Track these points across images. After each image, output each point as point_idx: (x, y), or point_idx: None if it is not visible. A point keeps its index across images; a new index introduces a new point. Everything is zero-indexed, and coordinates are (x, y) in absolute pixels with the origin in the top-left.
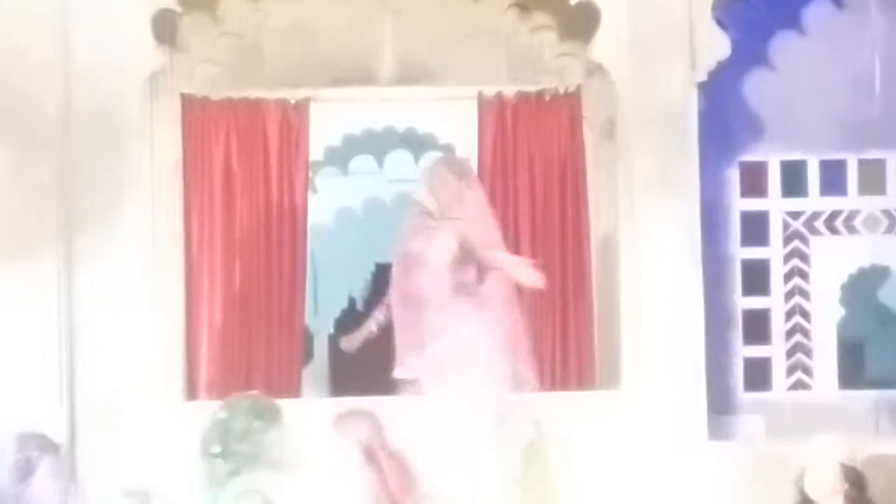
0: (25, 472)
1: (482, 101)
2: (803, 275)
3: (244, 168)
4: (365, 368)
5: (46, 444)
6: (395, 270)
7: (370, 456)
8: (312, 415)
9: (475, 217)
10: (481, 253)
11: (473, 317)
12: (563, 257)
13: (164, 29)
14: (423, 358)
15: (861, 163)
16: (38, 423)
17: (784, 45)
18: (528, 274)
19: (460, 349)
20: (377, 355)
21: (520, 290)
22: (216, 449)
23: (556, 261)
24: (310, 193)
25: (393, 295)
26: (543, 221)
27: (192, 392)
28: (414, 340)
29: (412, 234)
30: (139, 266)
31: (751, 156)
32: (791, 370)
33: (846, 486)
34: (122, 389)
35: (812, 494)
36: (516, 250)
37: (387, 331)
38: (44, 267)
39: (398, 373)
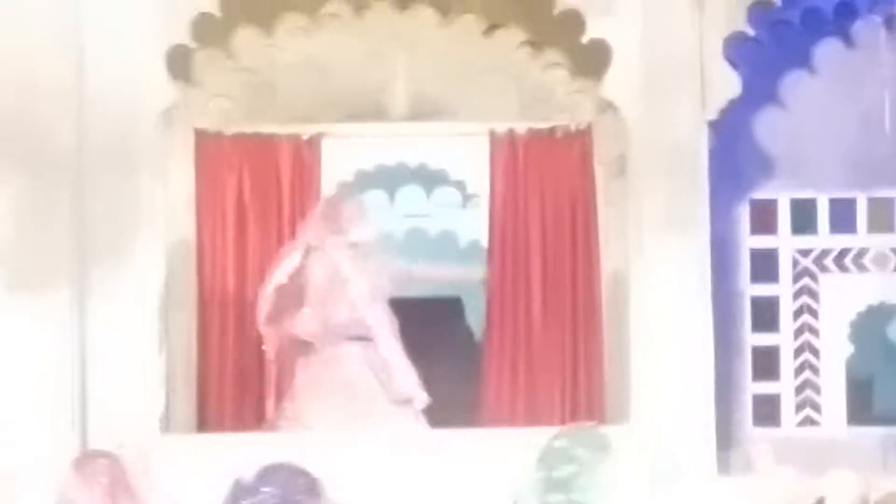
0: None
1: (494, 138)
2: (812, 312)
3: (256, 203)
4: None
5: (315, 487)
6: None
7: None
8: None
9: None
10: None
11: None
12: (574, 293)
13: (178, 64)
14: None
15: (870, 201)
16: (49, 451)
17: (794, 84)
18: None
19: (336, 387)
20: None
21: (530, 324)
22: (561, 474)
23: (566, 296)
24: None
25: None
26: (554, 257)
27: (203, 425)
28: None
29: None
30: (152, 299)
31: (761, 193)
32: (800, 407)
33: None
34: (134, 421)
35: None
36: (527, 286)
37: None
38: (57, 298)
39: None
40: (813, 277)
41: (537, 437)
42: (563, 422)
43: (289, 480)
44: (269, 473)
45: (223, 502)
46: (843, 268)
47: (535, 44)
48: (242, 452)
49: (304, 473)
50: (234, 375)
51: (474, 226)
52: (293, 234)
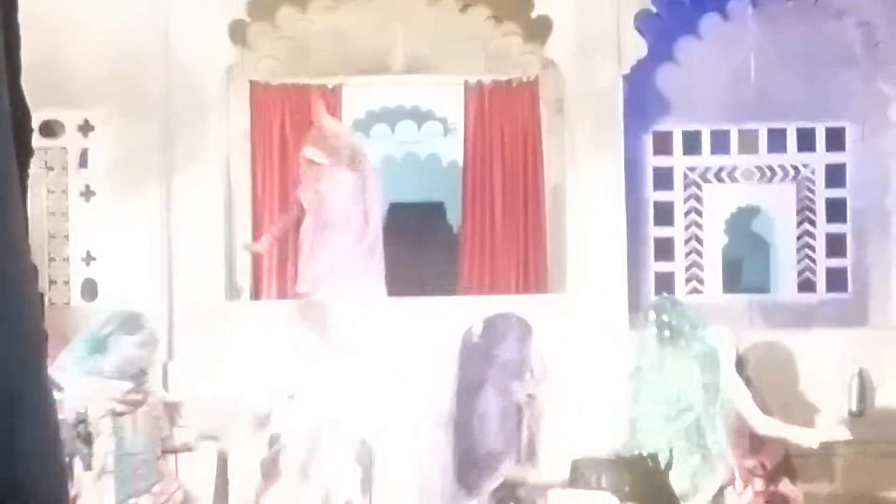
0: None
1: (467, 86)
2: (698, 212)
3: (295, 134)
4: None
5: (528, 328)
6: (308, 207)
7: None
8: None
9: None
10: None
11: (360, 242)
12: (525, 199)
13: (238, 33)
14: (321, 273)
15: (740, 132)
16: (145, 317)
17: (685, 47)
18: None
19: (346, 265)
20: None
21: (491, 222)
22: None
23: (519, 201)
24: None
25: (306, 226)
26: (511, 172)
27: (256, 294)
28: (316, 260)
29: (317, 179)
30: (219, 202)
31: (660, 126)
32: (689, 280)
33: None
34: (207, 292)
35: None
36: (491, 194)
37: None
38: (149, 199)
39: (300, 287)
40: (698, 187)
41: (499, 302)
42: (517, 291)
43: (508, 324)
44: (493, 321)
45: (461, 349)
46: (720, 179)
47: (497, 17)
48: (287, 314)
49: (519, 318)
50: (279, 258)
51: (453, 150)
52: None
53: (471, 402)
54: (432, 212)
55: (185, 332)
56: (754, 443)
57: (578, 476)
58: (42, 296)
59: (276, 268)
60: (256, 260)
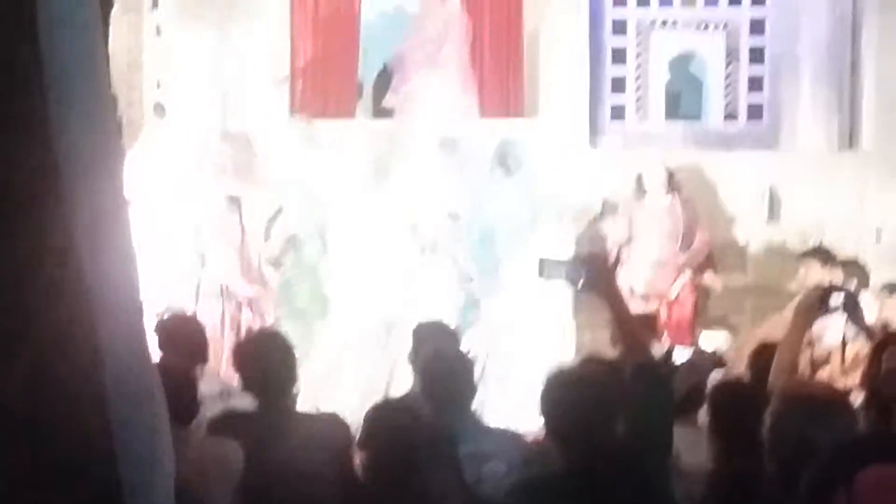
0: None
1: None
2: (647, 55)
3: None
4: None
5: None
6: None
7: None
8: (363, 129)
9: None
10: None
11: (439, 65)
12: (508, 43)
13: None
14: (399, 93)
15: None
16: (199, 143)
17: None
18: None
19: (427, 88)
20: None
21: (481, 61)
22: None
23: (503, 45)
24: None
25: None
26: (496, 22)
27: (292, 111)
28: (402, 82)
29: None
30: (264, 40)
31: None
32: (637, 109)
33: (668, 179)
34: (257, 112)
35: (647, 185)
36: (481, 40)
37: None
38: (209, 39)
39: (385, 102)
40: (647, 34)
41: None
42: (501, 116)
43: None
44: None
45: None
46: (665, 28)
47: None
48: (338, 131)
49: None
50: (312, 86)
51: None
52: (346, 7)
53: None
54: None
55: (237, 145)
56: (684, 242)
57: (543, 269)
58: (120, 118)
59: (308, 92)
60: (294, 84)
